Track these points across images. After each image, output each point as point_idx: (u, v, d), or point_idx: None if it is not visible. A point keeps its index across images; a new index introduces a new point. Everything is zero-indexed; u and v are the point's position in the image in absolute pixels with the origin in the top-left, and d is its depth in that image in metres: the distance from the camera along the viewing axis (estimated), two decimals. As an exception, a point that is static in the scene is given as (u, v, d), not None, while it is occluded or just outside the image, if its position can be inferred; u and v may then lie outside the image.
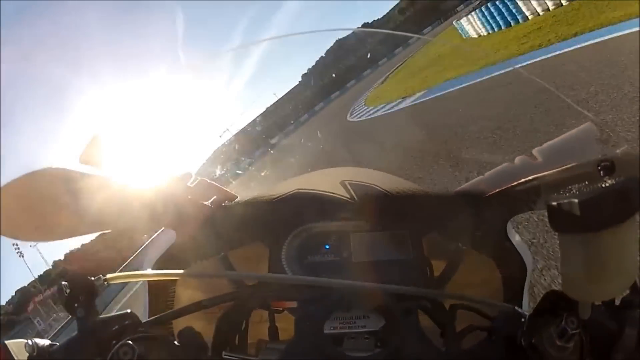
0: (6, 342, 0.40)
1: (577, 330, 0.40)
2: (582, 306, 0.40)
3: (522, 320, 0.45)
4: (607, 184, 0.35)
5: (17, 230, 0.49)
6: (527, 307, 0.76)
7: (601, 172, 0.45)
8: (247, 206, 0.76)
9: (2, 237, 0.47)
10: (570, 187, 0.53)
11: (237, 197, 0.74)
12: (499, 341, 0.48)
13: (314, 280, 0.55)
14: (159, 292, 0.82)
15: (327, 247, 0.76)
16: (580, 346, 0.41)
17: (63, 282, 0.44)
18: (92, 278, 0.47)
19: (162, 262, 0.77)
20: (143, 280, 0.79)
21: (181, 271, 0.63)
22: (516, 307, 0.57)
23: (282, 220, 0.79)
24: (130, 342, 0.39)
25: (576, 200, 0.34)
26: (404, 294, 0.63)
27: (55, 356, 0.41)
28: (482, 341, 0.53)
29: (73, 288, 0.45)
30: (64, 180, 0.50)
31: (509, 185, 0.62)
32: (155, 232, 0.74)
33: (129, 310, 0.46)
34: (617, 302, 0.44)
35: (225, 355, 0.58)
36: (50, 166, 0.48)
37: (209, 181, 0.67)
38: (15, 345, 0.40)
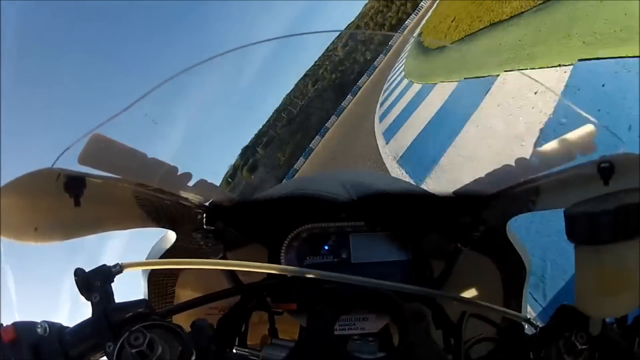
0: (16, 322, 0.40)
1: (586, 346, 0.39)
2: (593, 322, 0.40)
3: (534, 332, 0.45)
4: (623, 196, 0.35)
5: (17, 231, 0.49)
6: (527, 309, 0.76)
7: (601, 174, 0.45)
8: (246, 207, 0.76)
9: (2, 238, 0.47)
10: (570, 188, 0.53)
11: (236, 197, 0.74)
12: (509, 352, 0.48)
13: (325, 274, 0.55)
14: (159, 292, 0.82)
15: (327, 248, 0.76)
16: None
17: (79, 267, 0.45)
18: (108, 265, 0.47)
19: None
20: (143, 277, 0.79)
21: (196, 259, 0.62)
22: (530, 319, 0.57)
23: (281, 221, 0.79)
24: (142, 328, 0.39)
25: (594, 211, 0.34)
26: (405, 294, 0.63)
27: (67, 338, 0.41)
28: (492, 351, 0.53)
29: (89, 273, 0.45)
30: (62, 181, 0.50)
31: (509, 186, 0.62)
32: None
33: (144, 299, 0.47)
34: (630, 322, 0.44)
35: (235, 349, 0.57)
36: (49, 167, 0.48)
37: (208, 182, 0.67)
38: (26, 326, 0.40)
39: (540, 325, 0.45)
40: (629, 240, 0.33)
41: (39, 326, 0.41)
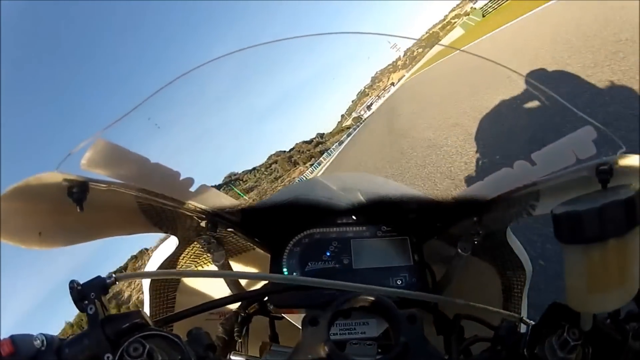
0: (13, 335, 0.40)
1: (579, 342, 0.40)
2: (584, 317, 0.40)
3: (527, 330, 0.45)
4: (610, 194, 0.35)
5: (20, 236, 0.49)
6: (526, 312, 0.76)
7: (599, 177, 0.45)
8: (248, 212, 0.77)
9: (3, 243, 0.47)
10: (569, 192, 0.53)
11: (238, 203, 0.74)
12: (503, 351, 0.48)
13: (320, 282, 0.55)
14: (160, 297, 0.82)
15: (328, 253, 0.76)
16: (583, 358, 0.41)
17: (73, 280, 0.45)
18: (102, 276, 0.47)
19: (164, 268, 0.77)
20: (144, 284, 0.79)
21: (189, 270, 0.62)
22: (522, 317, 0.57)
23: (283, 226, 0.79)
24: (140, 339, 0.39)
25: (579, 211, 0.34)
26: (405, 299, 0.63)
27: (64, 351, 0.41)
28: (485, 350, 0.53)
29: (84, 285, 0.45)
30: (66, 186, 0.50)
31: (508, 191, 0.62)
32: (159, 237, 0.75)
33: (139, 309, 0.47)
34: (622, 315, 0.44)
35: (232, 356, 0.57)
36: (53, 171, 0.48)
37: (210, 187, 0.67)
38: (23, 339, 0.40)
39: (532, 323, 0.46)
40: (615, 238, 0.34)
41: (37, 339, 0.41)
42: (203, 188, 0.66)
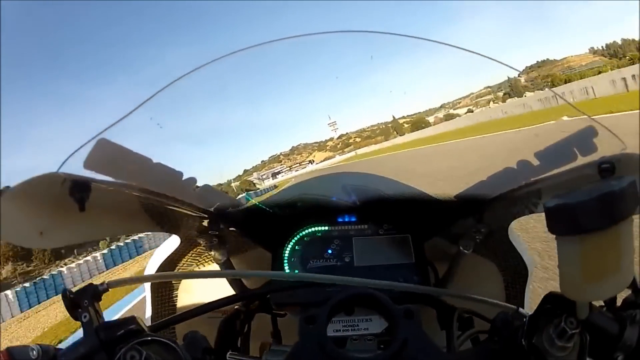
0: (9, 347, 0.40)
1: (577, 330, 0.40)
2: (580, 306, 0.40)
3: (524, 320, 0.45)
4: (603, 186, 0.35)
5: (22, 235, 0.49)
6: (528, 308, 0.76)
7: (601, 175, 0.45)
8: (249, 211, 0.77)
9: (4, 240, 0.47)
10: (570, 189, 0.53)
11: (239, 202, 0.74)
12: (500, 342, 0.48)
13: (320, 277, 0.55)
14: (162, 297, 0.82)
15: (330, 251, 0.76)
16: (581, 346, 0.41)
17: (66, 288, 0.45)
18: (95, 283, 0.47)
19: (166, 267, 0.77)
20: (145, 283, 0.79)
21: (183, 272, 0.62)
22: (518, 308, 0.57)
23: (284, 225, 0.79)
24: (137, 345, 0.39)
25: (572, 202, 0.34)
26: (407, 296, 0.63)
27: None
28: (484, 342, 0.53)
29: (76, 293, 0.45)
30: (68, 186, 0.50)
31: (510, 189, 0.62)
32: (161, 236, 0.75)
33: (134, 315, 0.47)
34: (619, 303, 0.44)
35: (229, 357, 0.57)
36: (54, 171, 0.48)
37: (212, 187, 0.68)
38: (19, 350, 0.40)
39: (529, 314, 0.45)
40: (608, 228, 0.34)
41: (32, 349, 0.41)
42: (205, 188, 0.66)
